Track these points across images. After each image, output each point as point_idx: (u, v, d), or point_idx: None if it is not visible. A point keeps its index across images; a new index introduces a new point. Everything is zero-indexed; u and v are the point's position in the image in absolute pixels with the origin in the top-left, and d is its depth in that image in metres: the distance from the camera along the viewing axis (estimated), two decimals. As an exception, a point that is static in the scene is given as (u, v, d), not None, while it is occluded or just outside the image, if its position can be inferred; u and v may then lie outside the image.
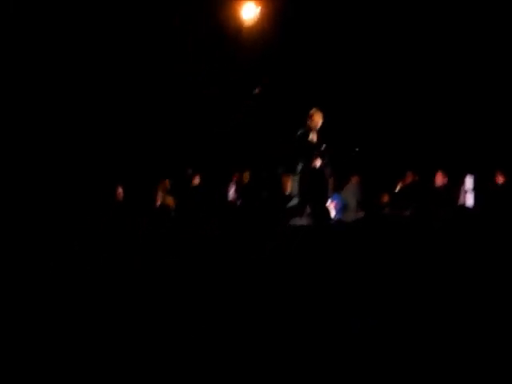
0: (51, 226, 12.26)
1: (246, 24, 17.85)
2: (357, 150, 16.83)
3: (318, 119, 12.00)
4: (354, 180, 14.96)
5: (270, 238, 10.52)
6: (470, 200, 13.28)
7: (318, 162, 12.20)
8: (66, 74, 17.06)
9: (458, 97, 16.87)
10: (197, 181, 15.70)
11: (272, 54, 17.89)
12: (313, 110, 12.08)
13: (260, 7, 17.67)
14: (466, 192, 13.45)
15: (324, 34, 17.76)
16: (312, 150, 12.15)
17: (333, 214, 13.85)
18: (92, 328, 6.43)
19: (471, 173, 13.70)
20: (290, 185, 13.87)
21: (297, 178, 12.97)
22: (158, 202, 14.92)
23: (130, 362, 5.52)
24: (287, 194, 13.98)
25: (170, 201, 15.01)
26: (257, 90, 18.52)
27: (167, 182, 15.42)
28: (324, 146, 12.19)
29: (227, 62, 18.08)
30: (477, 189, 13.45)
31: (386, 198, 14.71)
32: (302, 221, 12.50)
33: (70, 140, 16.79)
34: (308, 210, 12.58)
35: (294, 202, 13.21)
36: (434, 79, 17.16)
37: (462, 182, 13.57)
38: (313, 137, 11.99)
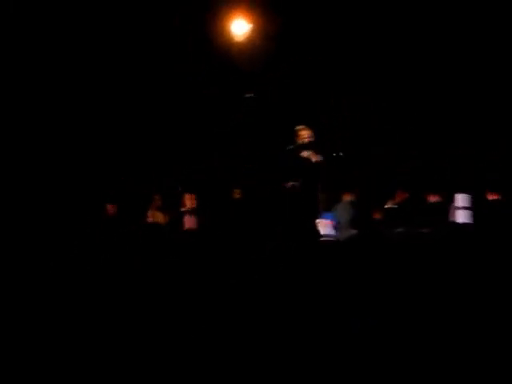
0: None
1: (236, 39, 17.89)
2: (341, 154, 16.82)
3: (305, 135, 11.99)
4: (347, 197, 14.87)
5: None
6: (460, 217, 13.25)
7: (308, 179, 12.16)
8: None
9: (453, 111, 17.06)
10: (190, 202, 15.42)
11: (260, 68, 17.91)
12: (299, 127, 12.10)
13: (251, 24, 17.71)
14: (456, 209, 13.43)
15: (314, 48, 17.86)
16: (301, 167, 12.12)
17: (326, 231, 13.77)
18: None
19: (462, 191, 13.68)
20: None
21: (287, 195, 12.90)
22: (150, 219, 14.83)
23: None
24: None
25: (160, 218, 14.92)
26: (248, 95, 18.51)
27: (158, 198, 15.33)
28: (314, 161, 12.16)
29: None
30: (471, 206, 13.44)
31: (378, 215, 14.66)
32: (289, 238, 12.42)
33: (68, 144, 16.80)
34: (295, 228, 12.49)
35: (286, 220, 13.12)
36: (429, 88, 17.30)
37: (453, 200, 13.56)
38: (302, 153, 11.98)
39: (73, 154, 17.08)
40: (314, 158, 12.03)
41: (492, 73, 17.08)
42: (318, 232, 13.22)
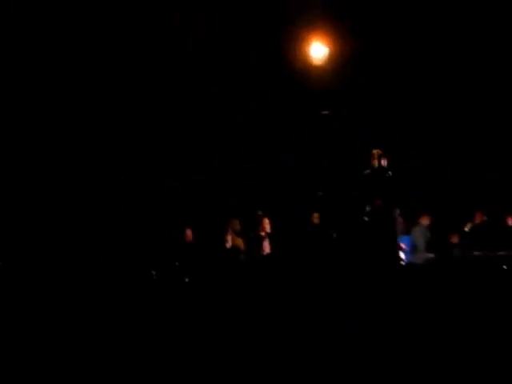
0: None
1: (314, 63, 17.95)
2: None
3: (380, 159, 12.04)
4: (423, 221, 14.81)
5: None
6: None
7: (384, 203, 12.21)
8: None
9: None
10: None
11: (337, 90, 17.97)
12: (375, 151, 12.15)
13: (328, 48, 17.80)
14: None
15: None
16: (378, 190, 12.17)
17: (402, 255, 13.76)
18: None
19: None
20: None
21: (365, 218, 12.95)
22: (229, 244, 14.82)
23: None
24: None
25: (239, 242, 14.91)
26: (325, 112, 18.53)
27: (237, 222, 15.33)
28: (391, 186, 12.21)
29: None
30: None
31: (455, 239, 14.54)
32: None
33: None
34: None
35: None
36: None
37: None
38: (377, 177, 12.04)
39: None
40: (390, 182, 12.11)
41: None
42: (395, 255, 13.24)
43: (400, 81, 18.00)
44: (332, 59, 17.89)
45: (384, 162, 12.33)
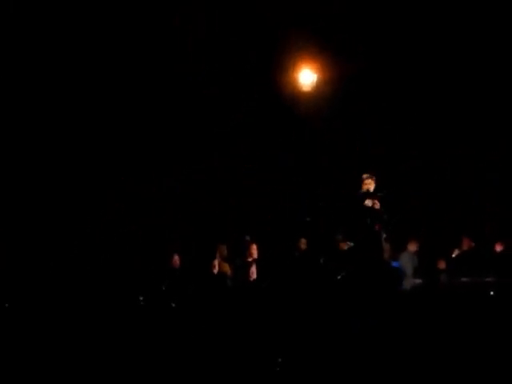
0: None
1: (303, 89, 17.97)
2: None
3: (369, 184, 12.03)
4: (411, 247, 14.83)
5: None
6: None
7: (374, 227, 12.15)
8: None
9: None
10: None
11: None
12: (365, 175, 12.12)
13: (317, 74, 17.82)
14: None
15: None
16: (366, 215, 12.13)
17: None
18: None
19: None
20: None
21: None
22: (215, 269, 14.76)
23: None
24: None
25: (226, 268, 14.86)
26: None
27: (224, 247, 15.28)
28: (379, 209, 12.17)
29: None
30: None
31: (442, 265, 14.55)
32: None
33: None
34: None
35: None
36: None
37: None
38: (366, 201, 12.01)
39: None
40: (377, 206, 12.08)
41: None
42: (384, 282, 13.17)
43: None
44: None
45: (371, 187, 12.30)
